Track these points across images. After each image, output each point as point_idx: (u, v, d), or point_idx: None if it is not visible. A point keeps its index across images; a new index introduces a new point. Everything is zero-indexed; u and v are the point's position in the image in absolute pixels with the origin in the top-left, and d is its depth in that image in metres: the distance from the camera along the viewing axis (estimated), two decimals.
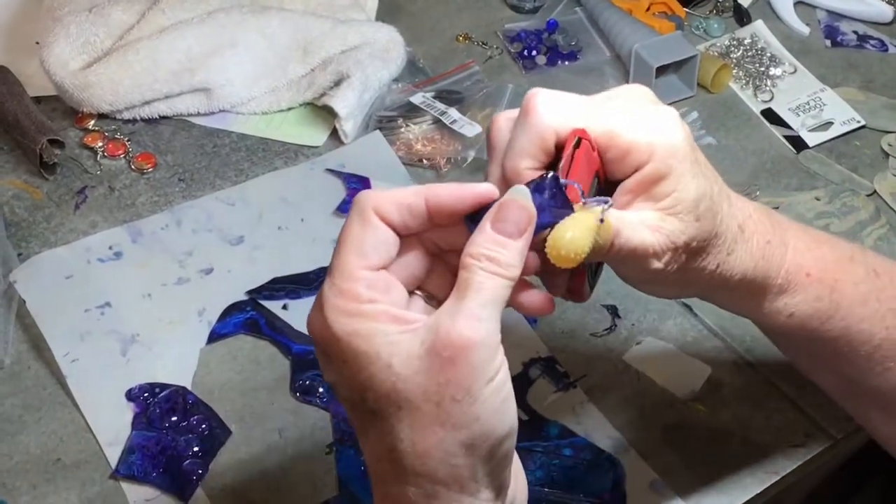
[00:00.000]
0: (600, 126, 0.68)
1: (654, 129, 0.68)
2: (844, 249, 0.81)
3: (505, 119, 0.72)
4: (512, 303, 0.68)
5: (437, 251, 0.69)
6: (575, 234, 0.65)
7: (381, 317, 0.62)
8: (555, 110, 0.68)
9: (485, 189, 0.66)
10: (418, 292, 0.68)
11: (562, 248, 0.64)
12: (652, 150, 0.68)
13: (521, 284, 0.67)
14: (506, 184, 0.69)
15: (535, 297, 0.69)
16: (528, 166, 0.69)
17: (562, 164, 0.68)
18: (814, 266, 0.78)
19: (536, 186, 0.66)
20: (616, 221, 0.68)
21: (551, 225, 0.66)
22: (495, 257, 0.63)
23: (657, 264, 0.71)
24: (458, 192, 0.66)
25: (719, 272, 0.75)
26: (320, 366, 0.66)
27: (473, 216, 0.66)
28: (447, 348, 0.61)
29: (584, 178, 0.68)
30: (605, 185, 0.71)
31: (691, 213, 0.70)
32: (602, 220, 0.67)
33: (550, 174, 0.66)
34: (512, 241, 0.64)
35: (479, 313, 0.62)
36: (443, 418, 0.61)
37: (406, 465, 0.63)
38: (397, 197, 0.65)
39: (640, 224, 0.70)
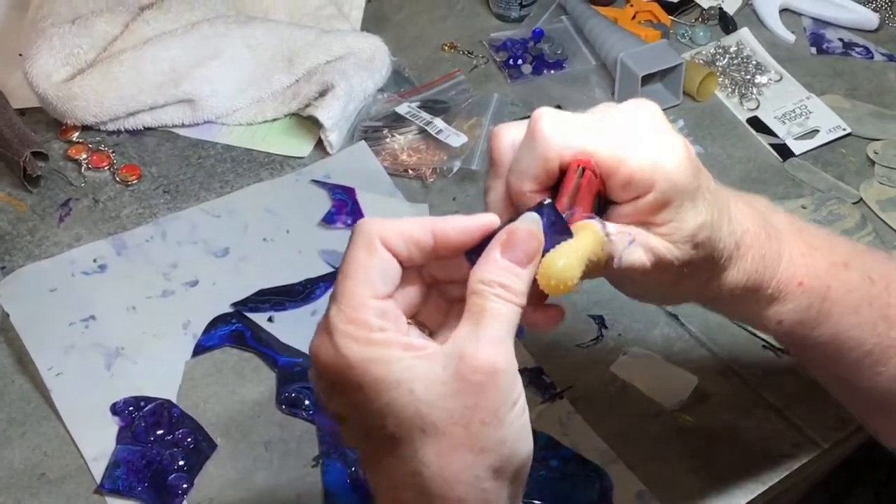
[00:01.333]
0: (606, 150, 0.67)
1: (659, 159, 0.67)
2: (840, 254, 0.80)
3: (507, 134, 0.72)
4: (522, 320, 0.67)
5: (432, 282, 0.69)
6: (567, 262, 0.65)
7: (393, 344, 0.62)
8: (559, 134, 0.68)
9: (490, 221, 0.66)
10: (410, 322, 0.68)
11: (552, 277, 0.64)
12: (654, 181, 0.67)
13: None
14: (510, 202, 0.70)
15: (544, 311, 0.69)
16: (531, 189, 0.69)
17: (563, 191, 0.68)
18: (806, 275, 0.78)
19: (536, 212, 0.66)
20: (612, 241, 0.69)
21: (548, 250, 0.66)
22: (507, 284, 0.63)
23: (647, 279, 0.71)
24: (466, 227, 0.66)
25: (710, 287, 0.75)
26: (322, 397, 0.65)
27: (473, 249, 0.66)
28: (475, 373, 0.61)
29: (586, 205, 0.69)
30: (603, 200, 0.71)
31: (688, 243, 0.70)
32: (607, 235, 0.68)
33: (547, 201, 0.67)
34: (521, 269, 0.64)
35: (501, 339, 0.62)
36: (471, 442, 0.61)
37: (433, 490, 0.62)
38: (403, 229, 0.65)
39: (635, 244, 0.70)
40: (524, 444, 0.63)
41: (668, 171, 0.67)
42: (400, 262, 0.65)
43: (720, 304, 0.81)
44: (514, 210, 0.70)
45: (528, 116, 0.70)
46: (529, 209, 0.66)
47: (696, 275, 0.73)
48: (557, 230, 0.67)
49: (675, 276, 0.71)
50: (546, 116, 0.68)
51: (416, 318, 0.68)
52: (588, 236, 0.67)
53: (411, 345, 0.63)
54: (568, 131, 0.68)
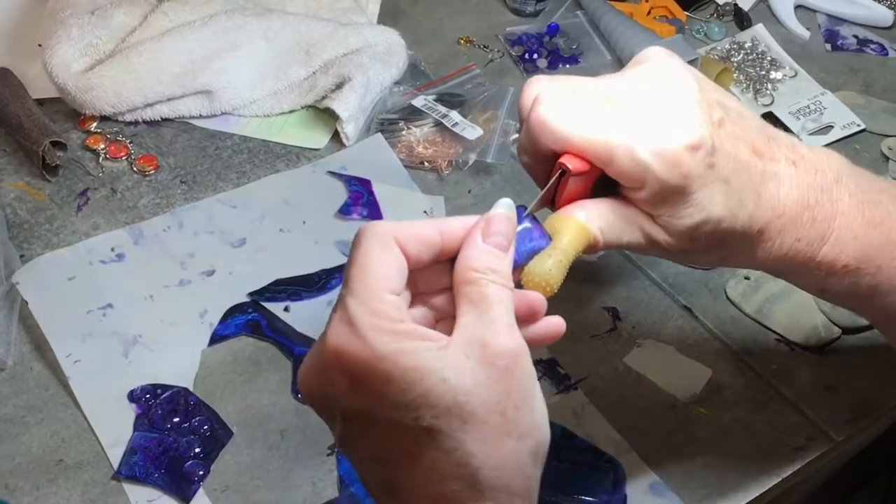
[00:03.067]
0: (594, 149, 0.67)
1: (649, 160, 0.67)
2: None
3: (530, 91, 0.71)
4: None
5: (416, 292, 0.69)
6: (550, 267, 0.68)
7: (415, 335, 0.62)
8: (549, 128, 0.68)
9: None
10: None
11: (535, 281, 0.69)
12: (644, 181, 0.67)
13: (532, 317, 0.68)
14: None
15: (547, 324, 0.69)
16: (527, 162, 0.72)
17: (544, 192, 0.71)
18: (854, 256, 0.76)
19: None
20: (595, 229, 0.70)
21: (534, 252, 0.69)
22: (497, 269, 0.64)
23: (655, 252, 0.72)
24: (469, 225, 0.67)
25: (740, 260, 0.75)
26: (333, 392, 0.63)
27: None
28: (501, 358, 0.61)
29: (574, 197, 0.71)
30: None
31: (686, 235, 0.70)
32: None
33: (521, 211, 0.69)
34: (503, 254, 0.65)
35: (511, 323, 0.63)
36: (509, 428, 0.61)
37: (482, 479, 0.62)
38: (415, 230, 0.65)
39: (628, 223, 0.71)
40: (548, 427, 0.64)
41: (658, 175, 0.67)
42: (407, 260, 0.65)
43: (764, 270, 0.80)
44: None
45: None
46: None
47: (710, 252, 0.73)
48: (537, 234, 0.69)
49: (684, 255, 0.72)
50: (540, 106, 0.68)
51: None
52: (570, 234, 0.69)
53: (432, 336, 0.63)
54: (559, 124, 0.68)
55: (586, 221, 0.70)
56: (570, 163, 0.68)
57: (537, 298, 0.68)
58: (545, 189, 0.70)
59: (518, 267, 0.68)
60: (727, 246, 0.73)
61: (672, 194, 0.68)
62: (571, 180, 0.69)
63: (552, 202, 0.72)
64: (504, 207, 0.67)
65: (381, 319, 0.61)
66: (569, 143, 0.68)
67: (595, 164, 0.68)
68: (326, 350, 0.62)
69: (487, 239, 0.65)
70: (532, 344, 0.67)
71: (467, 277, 0.64)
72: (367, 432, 0.64)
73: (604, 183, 0.71)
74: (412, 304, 0.69)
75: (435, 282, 0.68)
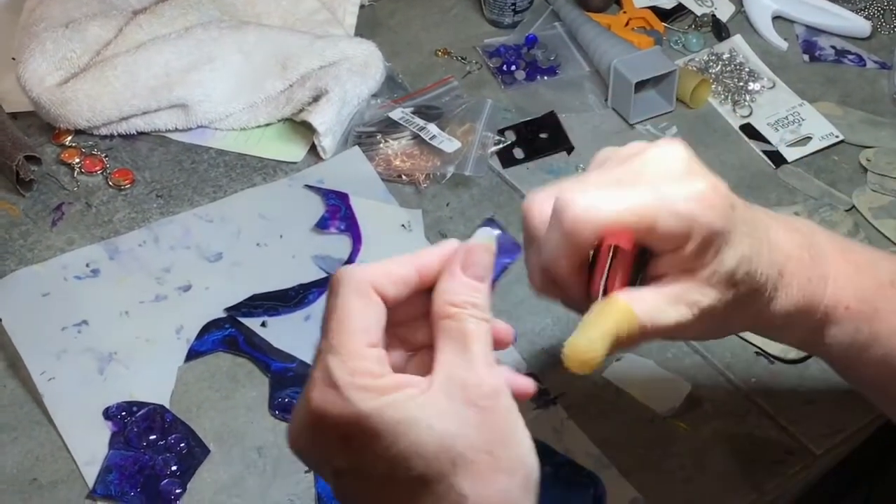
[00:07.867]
0: (636, 221, 0.66)
1: (690, 212, 0.67)
2: (887, 273, 0.79)
3: (539, 210, 0.71)
4: None
5: (388, 324, 0.67)
6: (590, 341, 0.66)
7: (396, 386, 0.62)
8: (585, 220, 0.66)
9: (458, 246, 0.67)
10: None
11: (575, 357, 0.66)
12: (690, 233, 0.67)
13: None
14: (547, 275, 0.71)
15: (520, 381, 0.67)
16: (567, 270, 0.69)
17: (598, 273, 0.70)
18: (853, 298, 0.77)
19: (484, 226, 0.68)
20: (643, 313, 0.69)
21: (506, 266, 0.68)
22: (476, 302, 0.64)
23: (688, 333, 0.72)
24: (446, 255, 0.66)
25: (760, 319, 0.75)
26: (323, 451, 0.64)
27: None
28: (483, 398, 0.62)
29: (623, 276, 0.70)
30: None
31: (728, 281, 0.70)
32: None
33: (487, 218, 0.69)
34: (482, 285, 0.65)
35: (490, 360, 0.63)
36: (499, 465, 0.62)
37: None
38: (392, 271, 0.65)
39: (672, 302, 0.70)
40: (535, 458, 0.64)
41: (703, 220, 0.67)
42: (385, 303, 0.65)
43: (772, 332, 0.81)
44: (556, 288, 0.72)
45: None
46: (482, 224, 0.68)
47: (744, 309, 0.73)
48: (508, 245, 0.69)
49: (723, 316, 0.72)
50: (571, 204, 0.67)
51: None
52: (614, 313, 0.68)
53: (412, 383, 0.63)
54: (593, 213, 0.66)
55: (635, 307, 0.69)
56: (618, 242, 0.68)
57: (506, 332, 0.68)
58: (604, 275, 0.69)
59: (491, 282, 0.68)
60: (758, 294, 0.73)
61: (714, 239, 0.68)
62: (614, 263, 0.69)
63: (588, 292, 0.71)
64: (484, 238, 0.67)
65: (363, 377, 0.61)
66: (613, 222, 0.67)
67: (638, 234, 0.68)
68: (311, 411, 0.62)
69: (467, 271, 0.65)
70: None
71: (446, 312, 0.64)
72: (360, 487, 0.64)
73: (636, 270, 0.71)
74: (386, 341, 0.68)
75: (406, 312, 0.67)
